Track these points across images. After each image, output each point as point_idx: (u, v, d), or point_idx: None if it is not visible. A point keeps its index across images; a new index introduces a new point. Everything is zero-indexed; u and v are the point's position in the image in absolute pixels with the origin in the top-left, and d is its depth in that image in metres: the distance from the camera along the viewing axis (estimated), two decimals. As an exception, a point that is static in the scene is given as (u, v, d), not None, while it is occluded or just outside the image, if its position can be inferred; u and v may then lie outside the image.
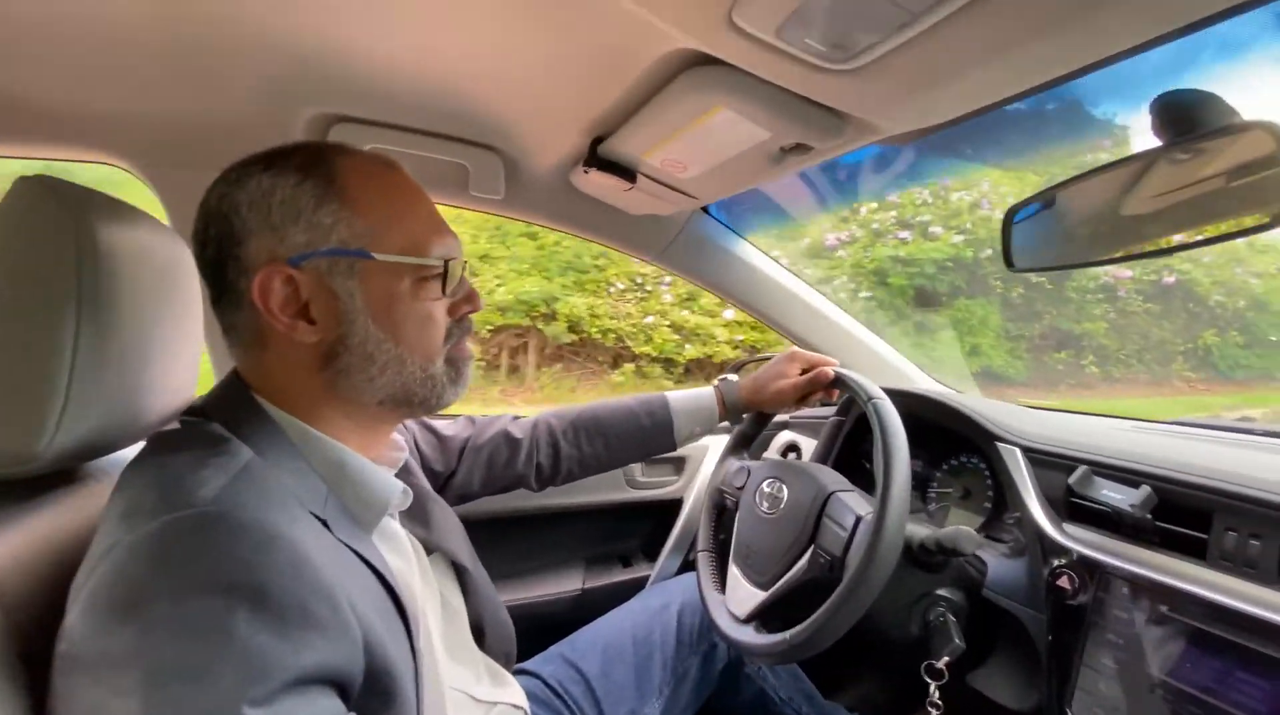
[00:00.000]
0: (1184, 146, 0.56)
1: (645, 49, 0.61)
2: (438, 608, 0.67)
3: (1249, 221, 0.51)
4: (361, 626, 0.45)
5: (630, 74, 0.66)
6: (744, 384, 0.97)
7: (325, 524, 0.49)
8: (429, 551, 0.69)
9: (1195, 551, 0.63)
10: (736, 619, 0.80)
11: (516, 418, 0.95)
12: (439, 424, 0.90)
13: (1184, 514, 0.64)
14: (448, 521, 0.74)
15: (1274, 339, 5.31)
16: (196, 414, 0.53)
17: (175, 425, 0.54)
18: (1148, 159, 0.58)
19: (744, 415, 1.00)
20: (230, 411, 0.53)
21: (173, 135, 0.86)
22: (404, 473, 0.69)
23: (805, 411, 1.35)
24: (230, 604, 0.38)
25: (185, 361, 0.63)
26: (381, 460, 0.64)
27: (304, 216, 0.51)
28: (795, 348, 0.98)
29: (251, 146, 0.87)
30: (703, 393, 0.98)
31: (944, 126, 0.67)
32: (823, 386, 0.92)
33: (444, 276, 0.57)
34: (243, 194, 0.52)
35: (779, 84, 0.59)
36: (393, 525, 0.63)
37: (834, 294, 1.28)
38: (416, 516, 0.69)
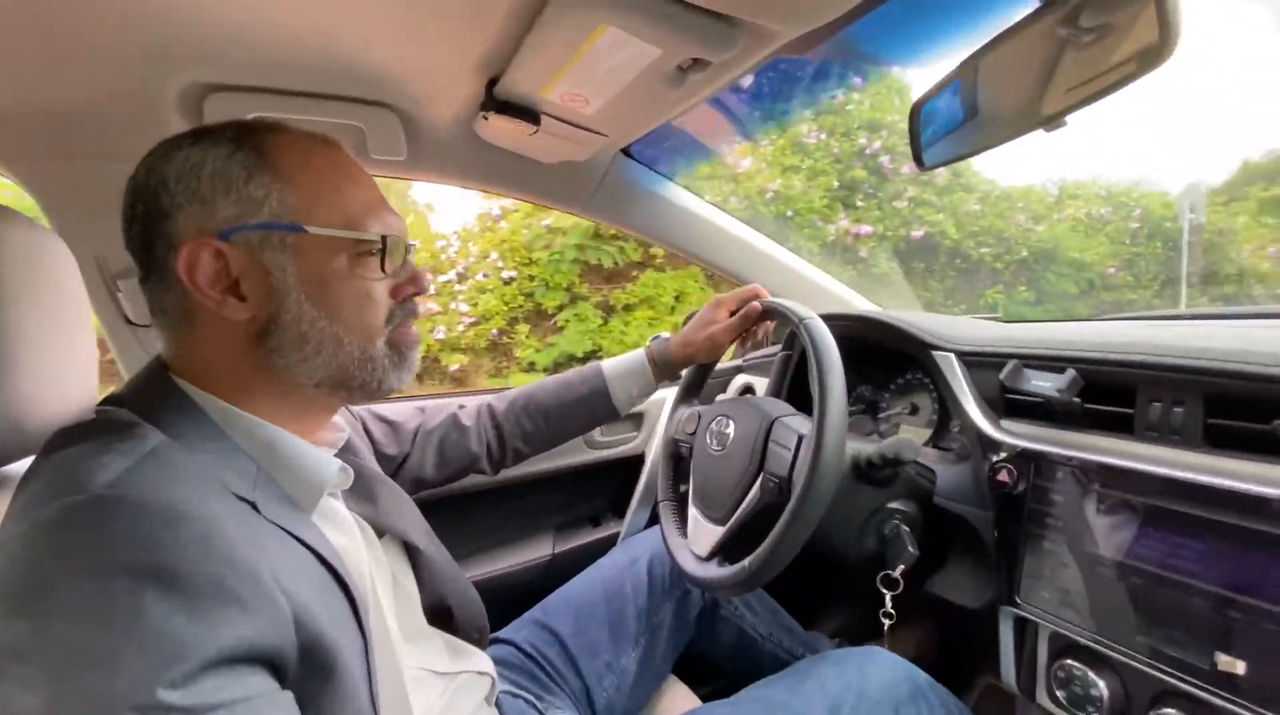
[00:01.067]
0: (1079, 23, 0.55)
1: None
2: (389, 587, 0.65)
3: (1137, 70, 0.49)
4: (291, 602, 0.42)
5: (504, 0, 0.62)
6: (674, 340, 0.97)
7: (254, 506, 0.47)
8: (380, 534, 0.67)
9: (1124, 427, 0.63)
10: (699, 558, 0.81)
11: (462, 406, 0.95)
12: (389, 410, 0.89)
13: (1110, 393, 0.65)
14: (398, 502, 0.72)
15: (1070, 291, 4.97)
16: (111, 402, 0.51)
17: (88, 416, 0.50)
18: (1040, 27, 0.56)
19: (683, 370, 1.00)
20: (145, 397, 0.50)
21: (34, 124, 0.80)
22: (346, 453, 0.66)
23: (758, 353, 1.35)
24: (135, 586, 0.36)
25: (77, 365, 0.58)
26: (320, 442, 0.61)
27: (234, 188, 0.50)
28: (719, 295, 0.97)
29: (121, 127, 0.82)
30: (635, 355, 0.98)
31: (844, 20, 0.64)
32: (754, 321, 0.92)
33: (383, 253, 0.55)
34: (170, 167, 0.50)
35: None
36: (335, 505, 0.61)
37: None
38: (363, 497, 0.67)
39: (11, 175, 0.85)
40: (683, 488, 0.96)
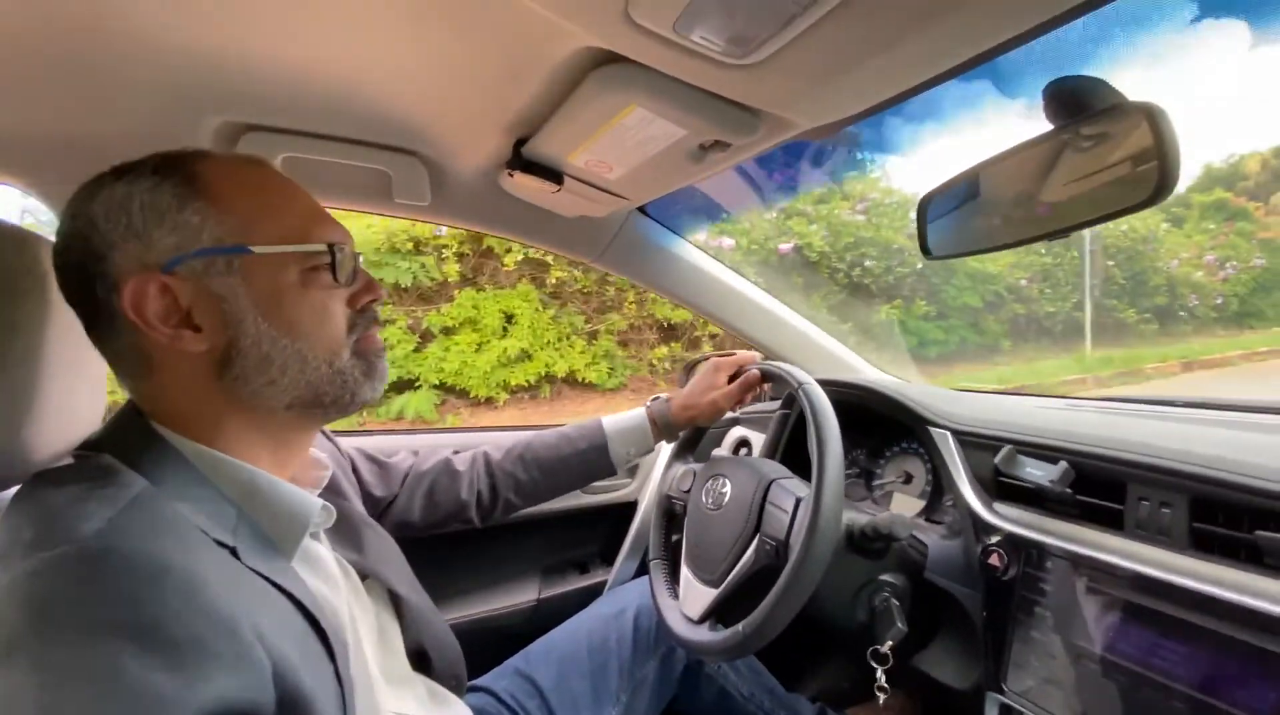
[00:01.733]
0: (1079, 130, 0.58)
1: (552, 47, 0.60)
2: (373, 631, 0.65)
3: (1137, 197, 0.53)
4: (270, 655, 0.42)
5: (541, 73, 0.65)
6: (674, 402, 0.98)
7: (234, 552, 0.47)
8: (363, 577, 0.67)
9: (1113, 522, 0.65)
10: (691, 621, 0.80)
11: (456, 452, 0.95)
12: (381, 451, 0.90)
13: (1101, 486, 0.67)
14: (383, 547, 0.72)
15: (974, 304, 4.56)
16: (91, 448, 0.50)
17: (67, 460, 0.50)
18: (1047, 142, 0.60)
19: (681, 432, 1.01)
20: (124, 442, 0.50)
21: (70, 152, 0.82)
22: (331, 493, 0.67)
23: (755, 407, 1.36)
24: (116, 644, 0.36)
25: (86, 391, 0.59)
26: (303, 480, 0.61)
27: (168, 218, 0.49)
28: (714, 357, 1.01)
29: None
30: (635, 414, 0.99)
31: (859, 117, 0.68)
32: (754, 386, 0.95)
33: (333, 263, 0.54)
34: (97, 206, 0.49)
35: (686, 80, 0.59)
36: (317, 548, 0.61)
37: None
38: (349, 540, 0.67)
39: (40, 197, 0.86)
40: (674, 537, 0.96)
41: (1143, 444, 0.65)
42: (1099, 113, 0.53)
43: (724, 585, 0.78)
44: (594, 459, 0.96)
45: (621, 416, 0.98)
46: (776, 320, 1.29)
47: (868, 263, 4.47)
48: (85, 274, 0.50)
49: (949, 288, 4.65)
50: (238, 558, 0.47)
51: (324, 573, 0.60)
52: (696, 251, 1.22)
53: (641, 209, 1.14)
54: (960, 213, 0.69)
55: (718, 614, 0.79)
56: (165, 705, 0.35)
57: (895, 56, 0.51)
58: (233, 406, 0.52)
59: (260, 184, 0.54)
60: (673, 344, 4.46)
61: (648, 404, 0.99)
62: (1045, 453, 0.72)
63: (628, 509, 1.34)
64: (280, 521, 0.52)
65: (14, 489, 0.54)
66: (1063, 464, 0.67)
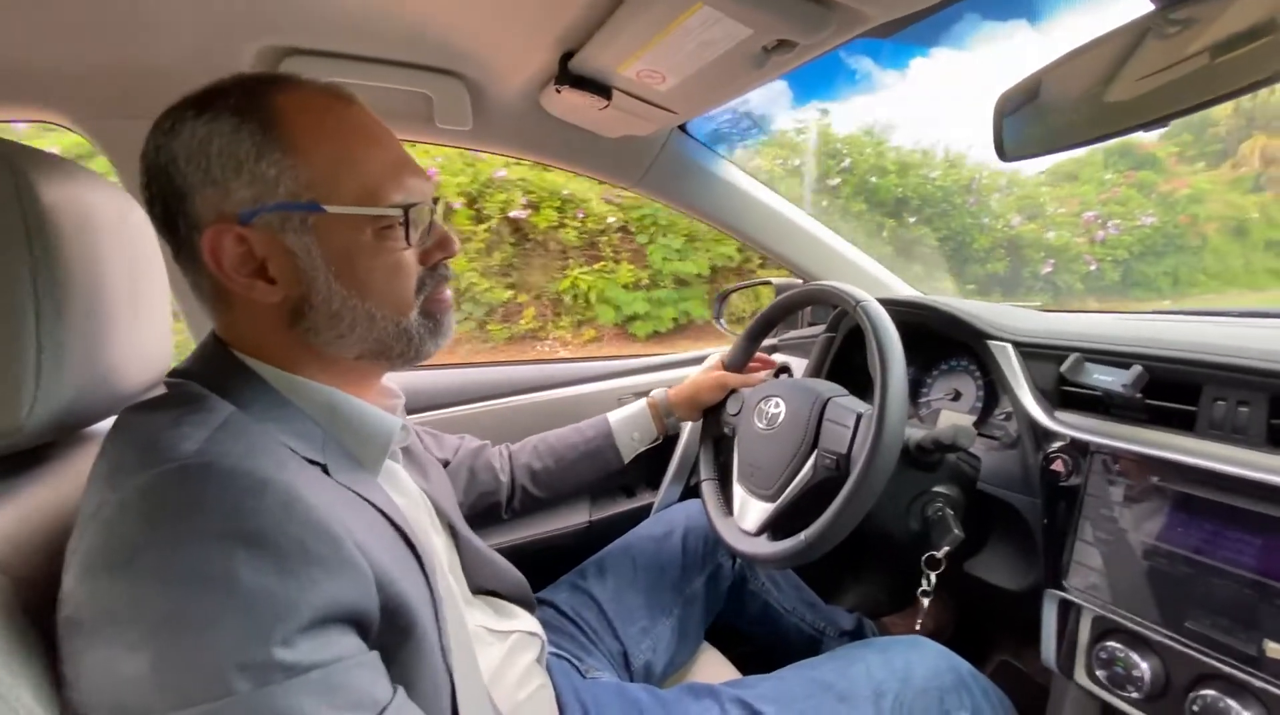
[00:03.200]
0: (1168, 15, 0.55)
1: None
2: (444, 551, 0.68)
3: (1236, 85, 0.50)
4: (371, 564, 0.44)
5: None
6: (672, 394, 1.01)
7: (324, 469, 0.49)
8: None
9: (1183, 424, 0.65)
10: (747, 534, 0.83)
11: (488, 444, 0.98)
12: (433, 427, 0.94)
13: (1173, 389, 0.66)
14: (444, 481, 0.76)
15: (688, 273, 3.92)
16: (179, 376, 0.52)
17: (160, 389, 0.52)
18: (1137, 31, 0.56)
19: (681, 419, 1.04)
20: (209, 370, 0.51)
21: (111, 84, 0.80)
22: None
23: (792, 333, 1.36)
24: (226, 550, 0.37)
25: (155, 324, 0.60)
26: (378, 405, 0.63)
27: (246, 168, 0.47)
28: (713, 357, 1.05)
29: (196, 88, 0.82)
30: (637, 404, 1.02)
31: (929, 11, 0.64)
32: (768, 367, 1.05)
33: (406, 224, 0.52)
34: (178, 144, 0.47)
35: None
36: (396, 468, 0.63)
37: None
38: (417, 468, 0.69)
39: (84, 133, 0.85)
40: (720, 460, 0.99)
41: (1219, 346, 0.64)
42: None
43: (780, 499, 0.80)
44: (601, 446, 0.98)
45: (625, 408, 1.02)
46: (819, 243, 1.27)
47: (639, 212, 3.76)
48: (169, 209, 0.49)
49: (654, 248, 3.86)
50: (328, 474, 0.49)
51: (404, 489, 0.63)
52: (737, 171, 1.19)
53: (682, 128, 1.11)
54: (1038, 111, 0.66)
55: (773, 527, 0.81)
56: (281, 606, 0.37)
57: None
58: (305, 349, 0.53)
59: (342, 130, 0.51)
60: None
61: (649, 395, 1.02)
62: (1115, 359, 0.71)
63: (670, 437, 1.37)
64: (363, 439, 0.54)
65: (109, 420, 0.57)
66: (1136, 368, 0.67)
